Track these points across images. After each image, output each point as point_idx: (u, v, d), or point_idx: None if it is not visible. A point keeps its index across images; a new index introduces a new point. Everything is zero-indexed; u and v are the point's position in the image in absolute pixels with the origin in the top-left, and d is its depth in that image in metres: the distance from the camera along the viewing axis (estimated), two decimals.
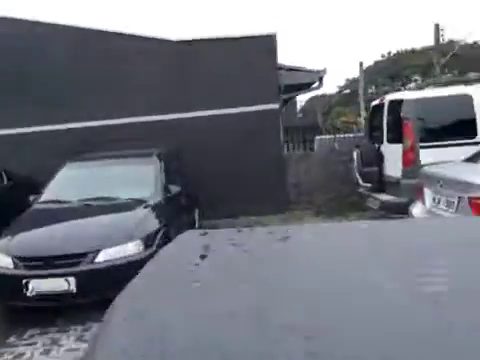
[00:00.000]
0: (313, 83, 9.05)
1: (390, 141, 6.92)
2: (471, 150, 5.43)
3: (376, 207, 7.00)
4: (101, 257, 4.39)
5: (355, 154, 7.50)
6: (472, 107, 6.39)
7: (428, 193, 4.92)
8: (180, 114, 8.66)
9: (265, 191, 8.24)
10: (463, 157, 5.18)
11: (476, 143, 6.11)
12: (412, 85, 29.74)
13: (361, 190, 7.46)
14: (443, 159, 5.49)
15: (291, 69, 8.58)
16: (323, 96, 26.54)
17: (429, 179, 4.97)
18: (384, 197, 6.77)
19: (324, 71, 8.72)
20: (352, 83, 31.12)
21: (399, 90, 21.05)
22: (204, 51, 8.61)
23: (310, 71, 8.70)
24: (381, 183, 6.98)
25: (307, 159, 8.63)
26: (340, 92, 29.71)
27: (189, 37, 8.68)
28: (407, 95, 6.77)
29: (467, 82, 7.23)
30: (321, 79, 8.74)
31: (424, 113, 6.42)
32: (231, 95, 8.44)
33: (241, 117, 8.40)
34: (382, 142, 7.12)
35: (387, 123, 7.02)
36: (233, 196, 8.26)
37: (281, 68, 8.35)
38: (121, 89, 8.68)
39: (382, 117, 7.13)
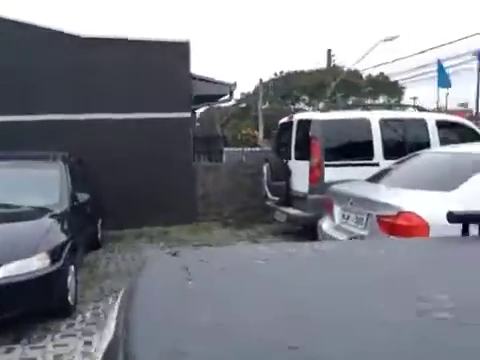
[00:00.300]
0: (223, 95, 9.15)
1: (297, 158, 7.26)
2: (369, 170, 5.92)
3: (283, 220, 7.27)
4: (0, 273, 3.88)
5: (265, 168, 7.73)
6: (370, 131, 6.99)
7: (337, 209, 5.21)
8: (81, 115, 8.09)
9: (173, 201, 8.05)
10: (365, 177, 5.61)
11: (373, 164, 6.70)
12: (302, 105, 31.82)
13: (269, 203, 7.69)
14: (344, 177, 5.90)
15: (202, 79, 8.57)
16: (219, 108, 27.05)
17: (338, 196, 5.27)
18: (291, 211, 7.06)
19: (235, 85, 8.89)
20: (247, 97, 32.31)
21: (291, 110, 22.30)
22: (113, 51, 8.15)
23: (222, 83, 8.79)
24: (288, 197, 7.27)
25: (215, 170, 8.65)
26: (236, 105, 30.61)
27: (99, 34, 8.16)
28: (315, 115, 7.18)
29: (365, 107, 7.92)
30: (231, 92, 8.89)
31: (329, 133, 6.85)
32: (141, 100, 8.12)
33: (150, 123, 8.12)
34: (290, 158, 7.44)
35: (295, 141, 7.36)
36: (138, 205, 7.93)
37: (194, 78, 8.29)
38: (15, 84, 7.83)
39: (290, 134, 7.46)
